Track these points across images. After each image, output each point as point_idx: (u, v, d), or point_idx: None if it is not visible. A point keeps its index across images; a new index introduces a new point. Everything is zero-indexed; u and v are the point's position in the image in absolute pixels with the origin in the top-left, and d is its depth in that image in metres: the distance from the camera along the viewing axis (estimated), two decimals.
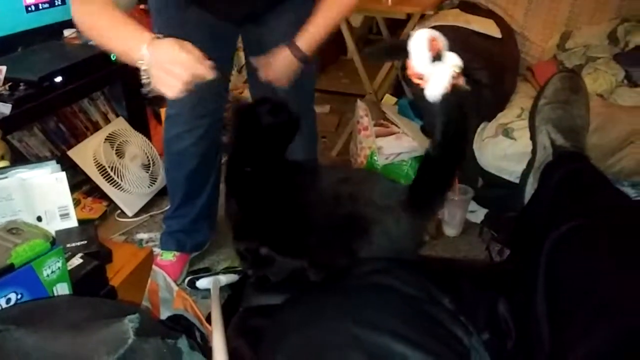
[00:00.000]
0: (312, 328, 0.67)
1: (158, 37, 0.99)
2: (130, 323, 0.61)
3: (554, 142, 1.20)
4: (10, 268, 0.73)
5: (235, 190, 0.97)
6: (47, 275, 0.77)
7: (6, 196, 0.96)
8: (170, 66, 0.94)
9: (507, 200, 1.66)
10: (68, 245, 0.93)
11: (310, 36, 1.33)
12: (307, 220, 0.88)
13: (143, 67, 0.98)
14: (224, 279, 1.57)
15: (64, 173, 1.00)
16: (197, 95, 1.38)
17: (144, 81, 1.01)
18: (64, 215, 1.01)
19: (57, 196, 1.00)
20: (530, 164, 1.28)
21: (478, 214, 1.92)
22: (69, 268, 0.82)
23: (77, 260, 0.88)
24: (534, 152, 1.27)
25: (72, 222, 1.01)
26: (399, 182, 0.99)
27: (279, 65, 1.35)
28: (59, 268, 0.78)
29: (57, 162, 1.03)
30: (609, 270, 0.70)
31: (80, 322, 0.63)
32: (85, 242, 0.96)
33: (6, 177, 0.97)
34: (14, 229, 0.84)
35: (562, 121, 1.20)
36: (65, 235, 0.97)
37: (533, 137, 1.27)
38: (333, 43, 1.49)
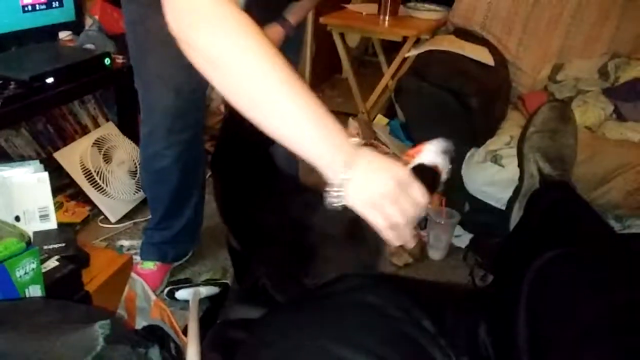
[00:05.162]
0: (288, 344, 0.66)
1: (357, 146, 0.68)
2: (100, 329, 0.59)
3: (542, 171, 1.21)
4: None
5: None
6: (20, 276, 0.75)
7: None
8: (389, 208, 0.68)
9: (493, 226, 1.66)
10: (45, 247, 0.91)
11: (300, 10, 1.43)
12: (268, 240, 0.87)
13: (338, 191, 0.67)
14: (204, 290, 1.55)
15: (46, 174, 0.99)
16: (174, 110, 1.35)
17: (332, 199, 0.68)
18: (44, 217, 0.99)
19: (37, 197, 0.98)
20: (517, 191, 1.28)
21: (463, 238, 1.91)
22: (44, 270, 0.81)
23: (52, 263, 0.86)
24: (521, 179, 1.27)
25: (52, 224, 1.00)
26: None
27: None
28: (33, 269, 0.76)
29: (41, 163, 1.02)
30: (590, 299, 0.70)
31: (49, 326, 0.61)
32: (63, 244, 0.94)
33: None
34: None
35: (550, 150, 1.21)
36: (43, 236, 0.95)
37: (521, 165, 1.28)
38: (328, 62, 1.57)
